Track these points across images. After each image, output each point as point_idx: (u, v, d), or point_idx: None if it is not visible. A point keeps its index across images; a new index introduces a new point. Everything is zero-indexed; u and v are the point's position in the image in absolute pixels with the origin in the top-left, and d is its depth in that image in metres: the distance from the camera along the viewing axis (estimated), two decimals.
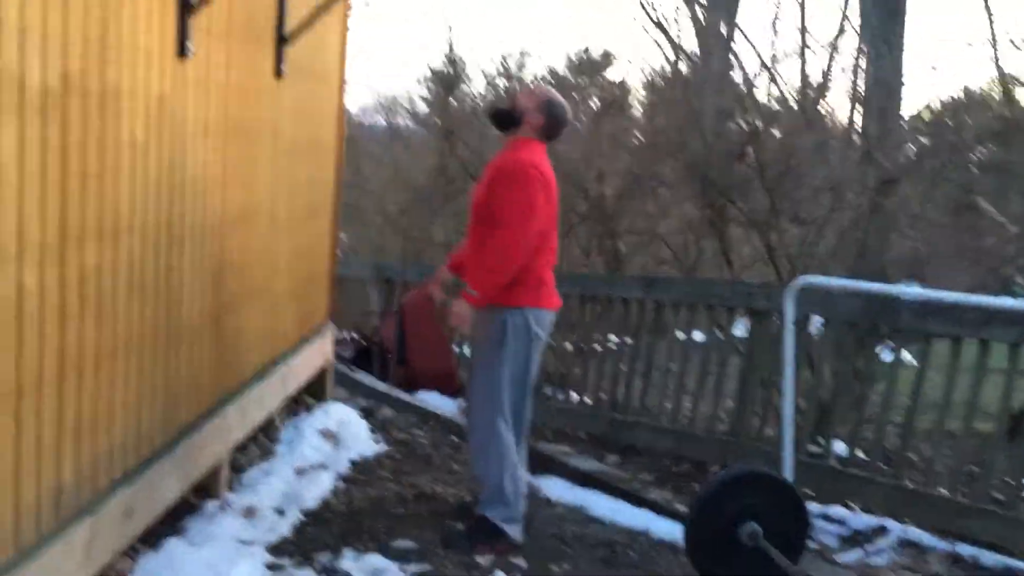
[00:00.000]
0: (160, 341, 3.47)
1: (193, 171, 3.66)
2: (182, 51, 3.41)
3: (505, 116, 4.18)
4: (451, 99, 26.49)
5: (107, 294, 3.02)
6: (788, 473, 4.44)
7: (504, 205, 3.97)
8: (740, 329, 7.05)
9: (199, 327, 3.86)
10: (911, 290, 6.14)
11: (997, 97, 13.49)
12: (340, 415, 5.79)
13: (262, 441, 5.06)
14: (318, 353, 5.86)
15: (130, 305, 3.19)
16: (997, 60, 15.75)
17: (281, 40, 4.61)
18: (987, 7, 19.75)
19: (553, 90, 4.42)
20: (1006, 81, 13.03)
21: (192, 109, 3.60)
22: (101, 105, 2.88)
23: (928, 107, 15.14)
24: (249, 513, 4.15)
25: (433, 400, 7.23)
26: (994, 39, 17.30)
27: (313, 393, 5.98)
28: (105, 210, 2.96)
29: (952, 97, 15.37)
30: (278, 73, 4.62)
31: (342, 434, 5.53)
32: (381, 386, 7.40)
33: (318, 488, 4.66)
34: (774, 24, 23.49)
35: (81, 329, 2.87)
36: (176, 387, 3.66)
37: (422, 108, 28.66)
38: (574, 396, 7.15)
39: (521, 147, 4.11)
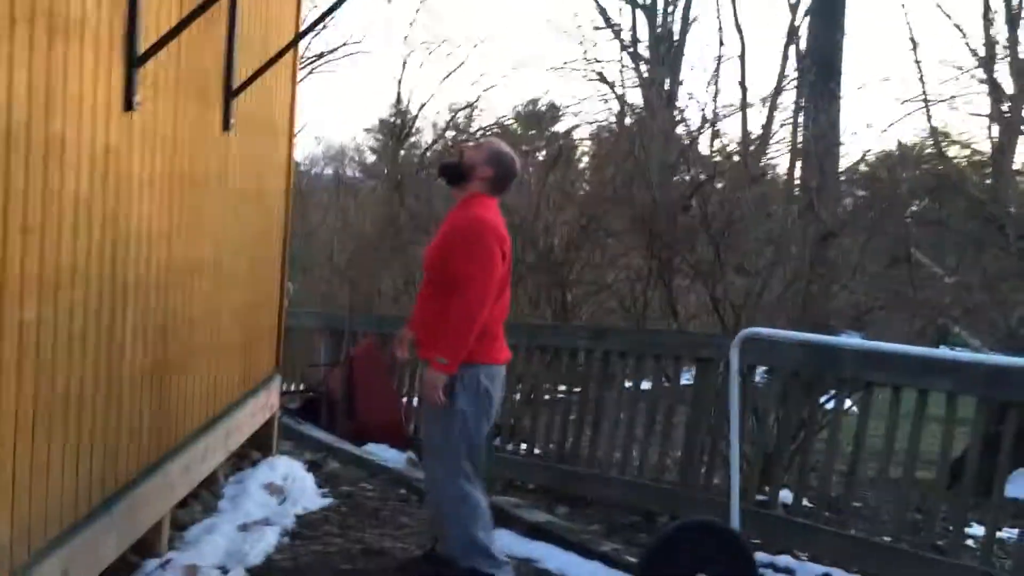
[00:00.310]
0: (100, 396, 3.40)
1: (138, 224, 3.62)
2: (128, 104, 3.40)
3: (454, 170, 4.19)
4: (400, 150, 26.65)
5: (45, 349, 2.96)
6: (735, 522, 4.46)
7: (463, 266, 3.95)
8: (686, 378, 7.12)
9: (141, 381, 3.79)
10: (852, 340, 6.26)
11: (929, 151, 13.95)
12: (286, 469, 5.71)
13: (205, 497, 4.96)
14: (264, 406, 5.79)
15: (70, 360, 3.13)
16: (929, 117, 16.33)
17: (229, 93, 4.62)
18: (918, 66, 20.51)
19: (501, 142, 4.46)
20: (937, 137, 13.49)
21: (138, 162, 3.57)
22: (45, 157, 2.85)
23: (864, 160, 15.60)
24: (191, 572, 4.05)
25: (381, 452, 7.16)
26: (925, 97, 17.93)
27: (258, 446, 5.89)
28: (46, 263, 2.92)
29: (886, 151, 15.85)
30: (226, 126, 4.62)
31: (288, 488, 5.45)
32: (328, 438, 7.31)
33: (263, 544, 4.57)
34: (715, 79, 24.06)
35: (19, 383, 2.80)
36: (116, 443, 3.58)
37: (370, 158, 28.79)
38: (523, 446, 7.13)
39: (474, 204, 4.11)
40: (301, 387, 9.85)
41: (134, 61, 3.40)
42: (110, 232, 3.37)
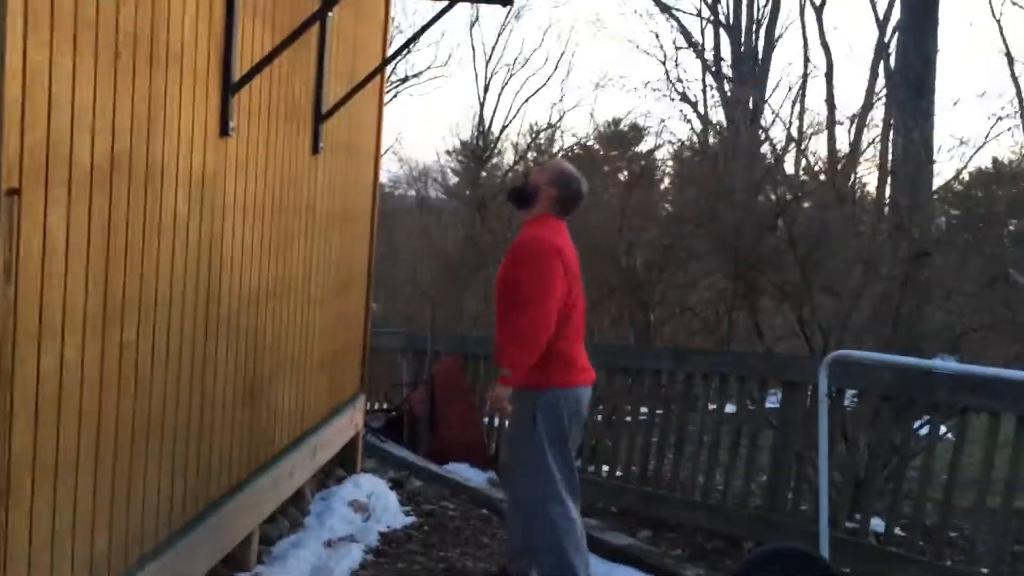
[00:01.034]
0: (194, 414, 3.50)
1: (231, 246, 3.73)
2: (224, 130, 3.51)
3: (520, 194, 4.25)
4: (481, 171, 26.87)
5: (144, 368, 3.06)
6: (824, 550, 4.35)
7: (523, 283, 4.01)
8: (772, 402, 6.98)
9: (232, 400, 3.89)
10: (946, 364, 6.07)
11: None
12: (370, 486, 5.77)
13: (292, 513, 5.04)
14: (349, 424, 5.87)
15: (166, 379, 3.23)
16: None
17: (319, 117, 4.73)
18: (1014, 80, 19.84)
19: (567, 163, 4.49)
20: None
21: (232, 185, 3.69)
22: (145, 182, 2.96)
23: (957, 178, 15.14)
24: None
25: (463, 472, 7.19)
26: (1022, 112, 17.33)
27: (343, 464, 5.98)
28: (145, 285, 3.02)
29: (981, 168, 15.37)
30: (315, 149, 4.73)
31: (372, 505, 5.50)
32: (411, 457, 7.37)
33: (347, 561, 4.63)
34: (801, 98, 23.67)
35: (118, 403, 2.90)
36: (208, 460, 3.68)
37: (453, 180, 29.09)
38: (604, 468, 7.08)
39: (536, 224, 4.17)
40: (384, 406, 9.96)
41: (230, 88, 3.51)
42: (205, 254, 3.47)
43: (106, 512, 2.88)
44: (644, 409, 7.04)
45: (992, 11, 27.58)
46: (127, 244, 2.88)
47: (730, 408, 7.06)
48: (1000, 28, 24.15)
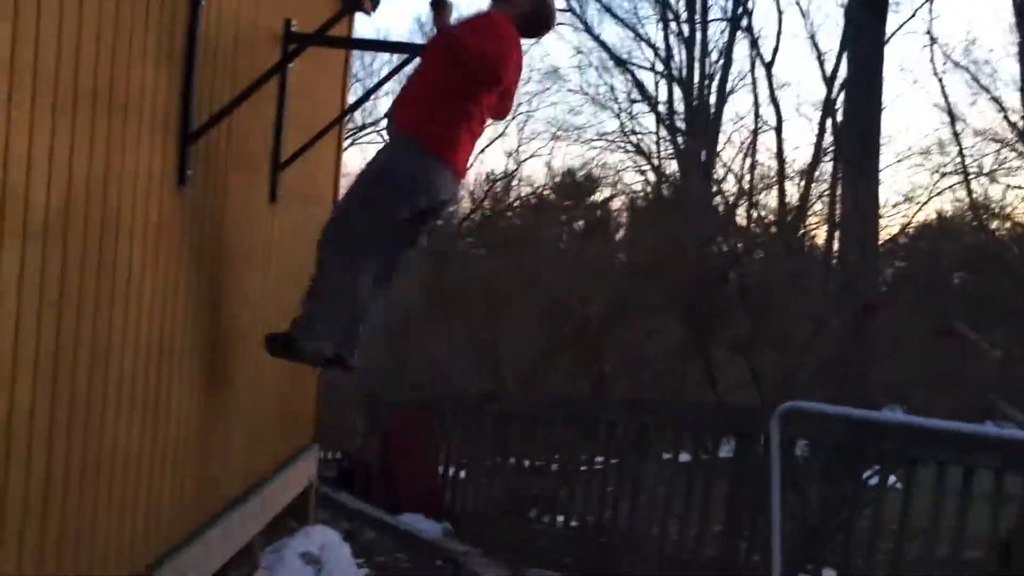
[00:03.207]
0: (144, 464, 3.45)
1: (186, 295, 3.71)
2: (181, 179, 3.51)
3: None
4: (438, 221, 26.88)
5: (95, 415, 3.02)
6: None
7: (473, 35, 3.73)
8: (725, 451, 7.04)
9: (184, 449, 3.84)
10: (896, 415, 6.18)
11: (970, 223, 13.86)
12: (323, 538, 5.70)
13: (243, 566, 4.96)
14: (302, 474, 5.80)
15: (117, 427, 3.19)
16: (969, 190, 16.25)
17: (277, 166, 4.75)
18: (956, 138, 20.48)
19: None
20: (978, 209, 13.41)
21: (188, 233, 3.68)
22: (101, 231, 2.95)
23: (904, 232, 15.52)
24: None
25: (416, 523, 7.12)
26: (965, 169, 17.89)
27: (295, 515, 5.89)
28: (99, 331, 3.00)
29: (926, 223, 15.77)
30: (273, 197, 4.74)
31: (324, 558, 5.43)
32: (365, 508, 7.30)
33: None
34: (752, 151, 24.17)
35: (68, 451, 2.86)
36: (159, 510, 3.62)
37: None
38: (560, 520, 7.07)
39: (499, 18, 3.85)
40: (339, 455, 9.86)
41: (187, 138, 3.52)
42: (159, 302, 3.45)
43: (52, 562, 2.82)
44: (599, 459, 7.06)
45: (934, 69, 28.53)
46: (80, 292, 2.86)
47: (684, 458, 7.11)
48: (942, 87, 24.94)
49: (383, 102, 34.60)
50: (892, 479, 5.69)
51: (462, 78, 3.78)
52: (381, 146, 3.93)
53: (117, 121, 2.99)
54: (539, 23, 3.99)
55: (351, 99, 6.58)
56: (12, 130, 2.42)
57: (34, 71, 2.49)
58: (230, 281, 4.23)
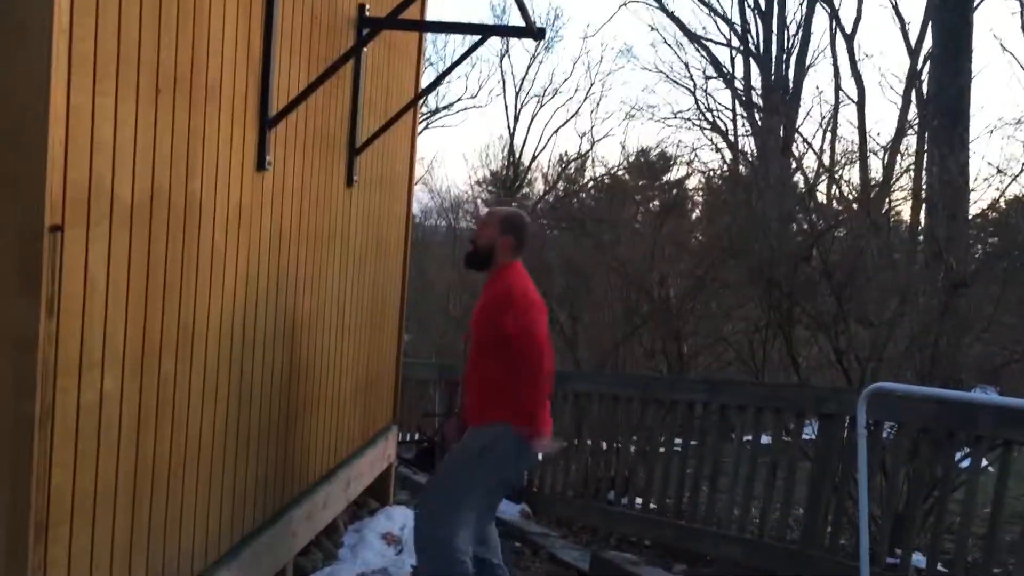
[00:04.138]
0: (230, 446, 3.52)
1: (267, 278, 3.76)
2: (261, 164, 3.55)
3: (478, 257, 4.14)
4: (512, 202, 26.94)
5: (181, 401, 3.08)
6: None
7: (514, 335, 3.92)
8: (808, 433, 6.89)
9: (268, 432, 3.90)
10: (988, 396, 5.97)
11: None
12: (402, 519, 5.75)
13: (325, 545, 5.04)
14: (382, 455, 5.87)
15: (202, 411, 3.25)
16: None
17: (353, 150, 4.78)
18: None
19: (500, 207, 4.41)
20: None
21: (268, 218, 3.72)
22: (184, 217, 3.00)
23: (994, 207, 14.95)
24: None
25: None
26: None
27: (376, 495, 5.97)
28: (183, 318, 3.05)
29: (1018, 196, 15.16)
30: (350, 182, 4.77)
31: (405, 538, 5.48)
32: None
33: None
34: (833, 126, 23.56)
35: (156, 436, 2.92)
36: (244, 491, 3.69)
37: (483, 211, 29.20)
38: (638, 501, 7.01)
39: (507, 274, 4.07)
40: (417, 436, 9.96)
41: (267, 123, 3.56)
42: (241, 287, 3.50)
43: (143, 545, 2.89)
44: (678, 441, 6.98)
45: None
46: (166, 279, 2.92)
47: (766, 439, 6.98)
48: None
49: (456, 85, 34.76)
50: (984, 462, 5.50)
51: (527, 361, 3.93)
52: (477, 432, 4.10)
53: (198, 108, 3.04)
54: (525, 236, 4.20)
55: (424, 83, 6.59)
56: (97, 119, 2.47)
57: (117, 61, 2.53)
58: (310, 265, 4.28)
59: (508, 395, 3.93)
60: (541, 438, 4.00)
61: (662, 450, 7.02)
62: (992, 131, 22.91)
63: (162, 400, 2.94)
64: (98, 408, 2.58)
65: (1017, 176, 14.86)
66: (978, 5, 17.64)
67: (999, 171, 14.05)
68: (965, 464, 5.74)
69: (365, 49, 4.71)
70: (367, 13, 4.73)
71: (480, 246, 4.13)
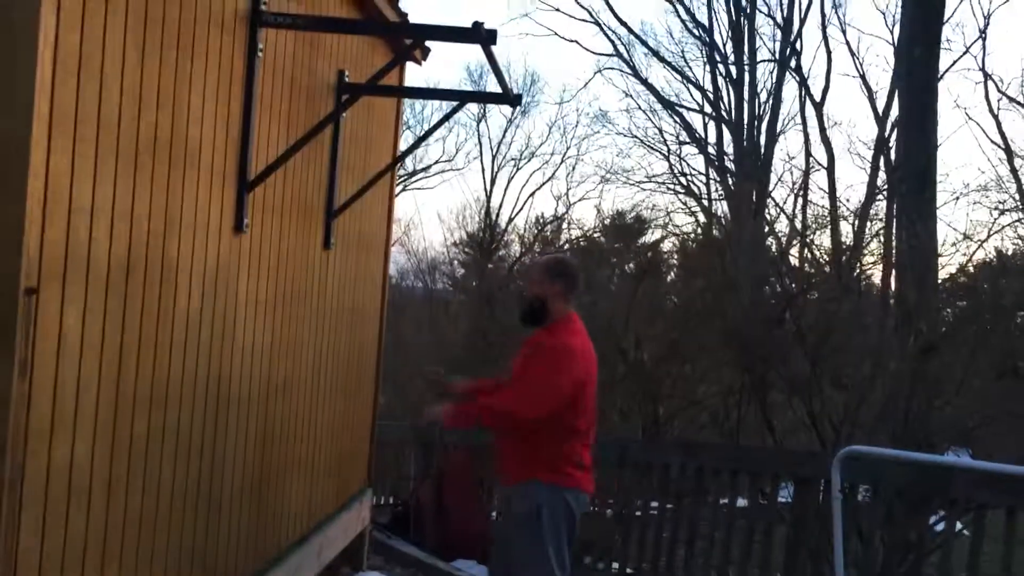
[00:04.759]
0: (201, 510, 3.47)
1: (242, 340, 3.75)
2: (239, 226, 3.57)
3: (534, 312, 4.11)
4: (488, 264, 27.07)
5: (153, 463, 3.05)
6: None
7: (533, 369, 3.95)
8: (784, 496, 6.88)
9: (240, 496, 3.86)
10: (961, 460, 6.00)
11: None
12: None
13: None
14: (356, 520, 5.80)
15: (175, 474, 3.22)
16: None
17: (330, 214, 4.81)
18: (1015, 174, 20.10)
19: (539, 257, 4.41)
20: None
21: (245, 280, 3.73)
22: (160, 279, 3.00)
23: (963, 271, 15.20)
24: None
25: (470, 569, 7.05)
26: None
27: (350, 561, 5.88)
28: (157, 378, 3.04)
29: (986, 261, 15.43)
30: (327, 244, 4.79)
31: None
32: (418, 553, 7.25)
33: None
34: (803, 191, 23.97)
35: (126, 499, 2.89)
36: (216, 557, 3.63)
37: (460, 271, 29.30)
38: (615, 565, 6.95)
39: (561, 328, 4.05)
40: (391, 500, 9.84)
41: (245, 186, 3.58)
42: (217, 350, 3.49)
43: None
44: (654, 503, 6.94)
45: (989, 106, 28.06)
46: (140, 340, 2.91)
47: (742, 502, 6.96)
48: (998, 122, 24.53)
49: (433, 148, 35.12)
50: (959, 525, 5.52)
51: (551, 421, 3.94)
52: (516, 495, 4.06)
53: (177, 171, 3.06)
54: (574, 279, 4.17)
55: (402, 146, 6.67)
56: (76, 180, 2.48)
57: (97, 123, 2.56)
58: (286, 328, 4.27)
59: (542, 451, 3.94)
60: (442, 414, 4.03)
61: (638, 513, 6.97)
62: (958, 197, 23.38)
63: (133, 462, 2.91)
64: (68, 470, 2.55)
65: (984, 242, 15.15)
66: (943, 75, 18.13)
67: (966, 236, 14.33)
68: (940, 528, 5.75)
69: (344, 114, 4.77)
70: (347, 79, 4.80)
71: (534, 299, 4.08)
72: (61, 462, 2.51)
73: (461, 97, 5.35)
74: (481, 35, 3.62)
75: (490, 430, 4.15)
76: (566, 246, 26.36)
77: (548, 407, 3.88)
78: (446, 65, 48.41)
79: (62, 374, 2.49)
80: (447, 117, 5.99)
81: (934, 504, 5.43)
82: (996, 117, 24.10)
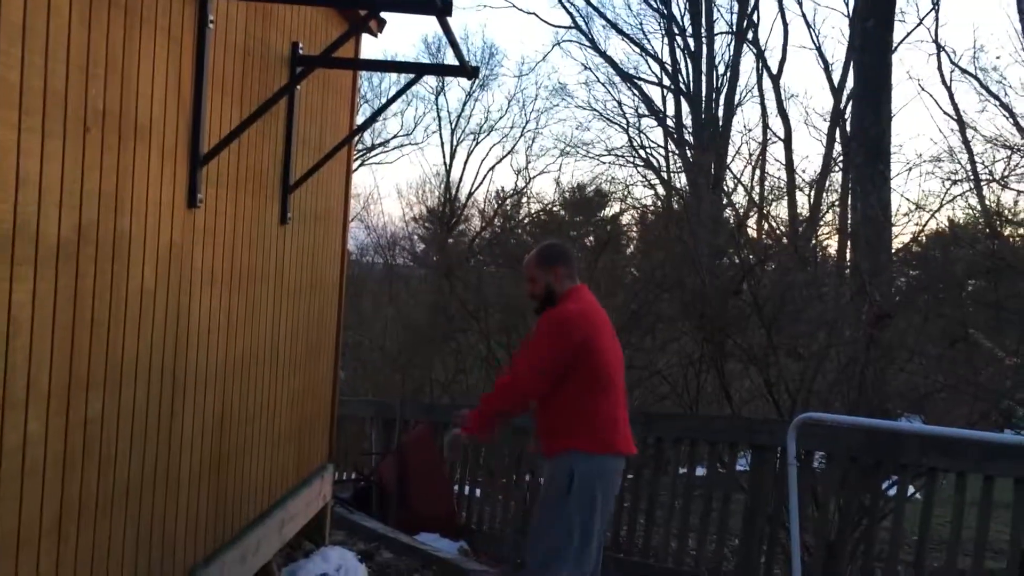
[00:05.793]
0: (159, 488, 3.45)
1: (198, 318, 3.71)
2: (192, 201, 3.52)
3: (544, 301, 4.23)
4: (448, 238, 26.99)
5: (109, 441, 3.02)
6: None
7: (534, 342, 4.10)
8: (742, 464, 6.99)
9: (199, 473, 3.84)
10: (913, 425, 6.13)
11: (982, 231, 13.78)
12: (338, 559, 5.67)
13: None
14: (317, 495, 5.79)
15: (131, 452, 3.19)
16: (981, 196, 16.18)
17: (287, 187, 4.76)
18: (966, 145, 20.42)
19: (531, 251, 4.45)
20: (991, 216, 13.34)
21: (200, 257, 3.69)
22: (112, 255, 2.96)
23: (916, 240, 15.45)
24: None
25: (434, 542, 7.09)
26: (976, 176, 17.80)
27: (311, 536, 5.88)
28: (111, 357, 3.00)
29: (938, 230, 15.69)
30: (284, 219, 4.75)
31: None
32: (380, 528, 7.26)
33: None
34: (761, 163, 24.18)
35: (82, 477, 2.86)
36: (174, 535, 3.61)
37: (420, 247, 29.21)
38: None
39: (566, 299, 4.18)
40: (353, 476, 9.84)
41: (198, 161, 3.53)
42: (172, 326, 3.46)
43: None
44: None
45: (942, 77, 28.41)
46: (93, 317, 2.87)
47: (701, 471, 7.05)
48: (950, 94, 24.90)
49: (392, 122, 34.84)
50: (911, 490, 5.64)
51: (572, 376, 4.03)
52: (551, 465, 4.15)
53: (127, 145, 3.01)
54: (569, 257, 4.30)
55: (359, 120, 6.60)
56: (23, 156, 2.43)
57: (44, 97, 2.51)
58: (242, 303, 4.24)
59: (575, 422, 4.03)
60: (465, 434, 4.18)
61: None
62: (911, 168, 23.68)
63: (89, 441, 2.88)
64: (22, 450, 2.52)
65: (936, 212, 15.38)
66: (897, 47, 18.32)
67: (918, 207, 14.54)
68: (893, 492, 5.88)
69: (299, 87, 4.72)
70: (301, 51, 4.74)
71: (540, 288, 4.23)
72: (14, 442, 2.48)
73: (417, 69, 5.30)
74: (436, 6, 3.59)
75: (516, 413, 4.26)
76: (526, 220, 26.37)
77: (540, 373, 4.02)
78: (403, 39, 48.05)
79: (13, 353, 2.45)
80: (404, 89, 5.95)
81: (887, 469, 5.54)
82: (949, 88, 24.52)
